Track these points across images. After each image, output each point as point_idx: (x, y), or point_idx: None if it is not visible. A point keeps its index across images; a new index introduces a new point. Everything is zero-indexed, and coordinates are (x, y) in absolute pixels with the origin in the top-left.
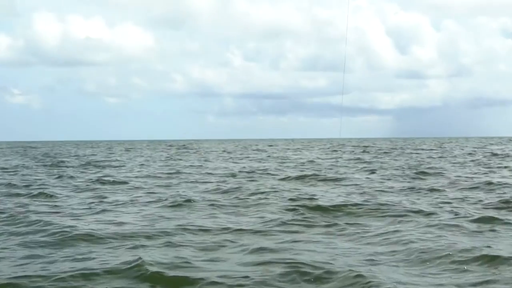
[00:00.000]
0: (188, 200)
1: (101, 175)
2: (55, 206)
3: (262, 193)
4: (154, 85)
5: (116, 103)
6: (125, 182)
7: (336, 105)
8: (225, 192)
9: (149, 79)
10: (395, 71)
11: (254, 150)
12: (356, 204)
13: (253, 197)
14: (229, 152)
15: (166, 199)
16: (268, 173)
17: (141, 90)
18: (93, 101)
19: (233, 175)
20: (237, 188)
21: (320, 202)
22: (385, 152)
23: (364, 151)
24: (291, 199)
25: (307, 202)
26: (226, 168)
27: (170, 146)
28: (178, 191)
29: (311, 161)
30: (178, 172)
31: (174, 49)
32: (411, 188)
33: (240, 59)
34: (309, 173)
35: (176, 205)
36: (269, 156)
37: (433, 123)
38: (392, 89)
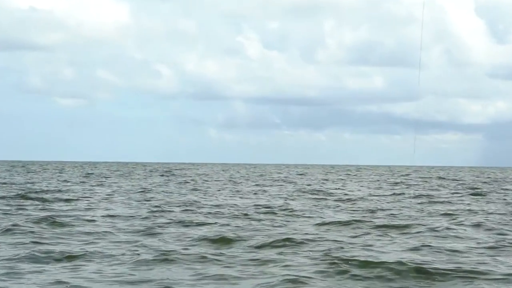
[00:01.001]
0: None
1: (45, 214)
2: None
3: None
4: (130, 82)
5: (73, 106)
6: (81, 225)
7: (400, 116)
8: (227, 242)
9: (122, 73)
10: (488, 68)
11: (276, 179)
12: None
13: (273, 251)
14: (237, 182)
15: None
16: (297, 215)
17: (111, 88)
18: (40, 102)
19: (246, 215)
20: (249, 236)
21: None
22: (473, 188)
23: (440, 186)
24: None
25: (358, 262)
26: (235, 205)
27: (150, 171)
28: (161, 242)
29: (362, 198)
30: (161, 211)
31: (159, 29)
32: None
33: (257, 46)
34: (359, 216)
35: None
36: (298, 189)
37: None
38: (483, 95)
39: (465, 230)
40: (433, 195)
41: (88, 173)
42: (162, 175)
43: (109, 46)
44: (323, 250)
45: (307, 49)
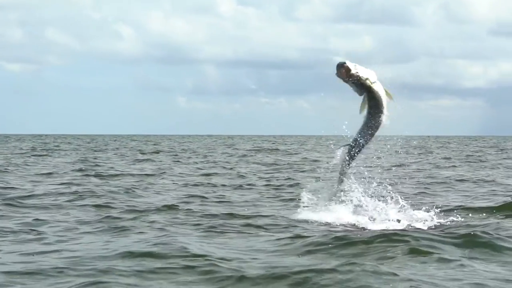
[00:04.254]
0: None
1: None
2: None
3: None
4: (86, 44)
5: (22, 72)
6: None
7: (391, 80)
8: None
9: (78, 34)
10: (490, 25)
11: (255, 148)
12: None
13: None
14: (207, 155)
15: None
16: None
17: (65, 51)
18: None
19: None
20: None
21: None
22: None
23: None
24: None
25: None
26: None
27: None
28: None
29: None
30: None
31: None
32: None
33: (231, 2)
34: None
35: None
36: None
37: None
38: (484, 55)
39: None
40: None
41: (35, 147)
42: (120, 147)
43: (62, 4)
44: None
45: (287, 4)
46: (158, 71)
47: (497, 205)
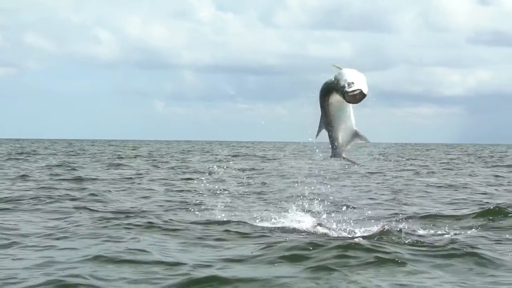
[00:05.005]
0: None
1: None
2: None
3: None
4: (65, 49)
5: (0, 77)
6: None
7: (369, 87)
8: None
9: (57, 38)
10: (469, 33)
11: (227, 156)
12: None
13: None
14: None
15: None
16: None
17: (43, 56)
18: None
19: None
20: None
21: None
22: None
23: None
24: None
25: None
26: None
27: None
28: None
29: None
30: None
31: None
32: None
33: (210, 7)
34: None
35: None
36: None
37: None
38: (463, 63)
39: None
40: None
41: (15, 149)
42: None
43: (41, 8)
44: None
45: (266, 11)
46: (136, 75)
47: (471, 212)
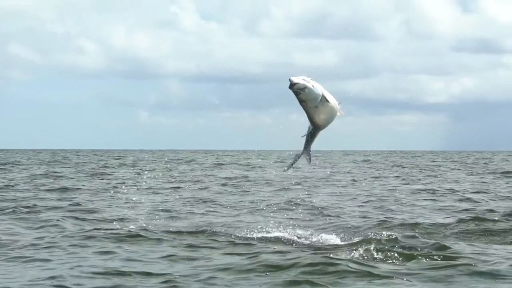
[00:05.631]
0: None
1: None
2: None
3: None
4: (50, 59)
5: None
6: None
7: (354, 95)
8: None
9: (40, 48)
10: (452, 41)
11: (210, 167)
12: None
13: None
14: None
15: None
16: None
17: (28, 66)
18: None
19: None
20: None
21: None
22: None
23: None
24: None
25: None
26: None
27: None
28: None
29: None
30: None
31: None
32: None
33: (194, 17)
34: None
35: None
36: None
37: None
38: (447, 71)
39: None
40: None
41: None
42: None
43: (24, 18)
44: None
45: (250, 20)
46: (121, 85)
47: (455, 220)
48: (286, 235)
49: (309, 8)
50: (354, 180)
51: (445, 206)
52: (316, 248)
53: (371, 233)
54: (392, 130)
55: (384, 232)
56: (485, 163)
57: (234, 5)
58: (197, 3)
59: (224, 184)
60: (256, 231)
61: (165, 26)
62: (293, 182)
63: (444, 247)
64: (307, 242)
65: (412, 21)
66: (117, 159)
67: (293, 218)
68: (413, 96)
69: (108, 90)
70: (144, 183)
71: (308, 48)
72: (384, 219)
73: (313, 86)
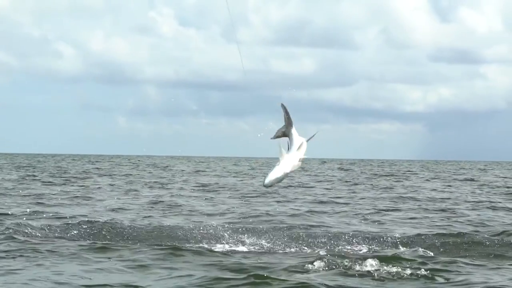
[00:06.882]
0: None
1: None
2: None
3: None
4: (26, 63)
5: None
6: None
7: (332, 103)
8: None
9: (17, 52)
10: (430, 50)
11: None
12: None
13: None
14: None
15: None
16: None
17: (4, 70)
18: None
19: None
20: None
21: None
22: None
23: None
24: None
25: None
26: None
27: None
28: None
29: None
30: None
31: (59, 2)
32: None
33: (172, 23)
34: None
35: None
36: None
37: (494, 137)
38: (424, 80)
39: None
40: None
41: None
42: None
43: (1, 21)
44: None
45: (228, 27)
46: (98, 90)
47: (430, 232)
48: (255, 248)
49: (288, 16)
50: (328, 189)
51: (420, 217)
52: (288, 258)
53: (346, 245)
54: (370, 138)
55: (359, 246)
56: (462, 173)
57: (212, 11)
58: (175, 9)
59: (198, 191)
60: (224, 241)
61: (143, 32)
62: (263, 191)
63: (421, 260)
64: (277, 254)
65: (390, 30)
66: (93, 164)
67: (264, 230)
68: (391, 104)
69: (85, 94)
70: (118, 188)
71: (286, 55)
72: (359, 230)
73: (272, 178)
